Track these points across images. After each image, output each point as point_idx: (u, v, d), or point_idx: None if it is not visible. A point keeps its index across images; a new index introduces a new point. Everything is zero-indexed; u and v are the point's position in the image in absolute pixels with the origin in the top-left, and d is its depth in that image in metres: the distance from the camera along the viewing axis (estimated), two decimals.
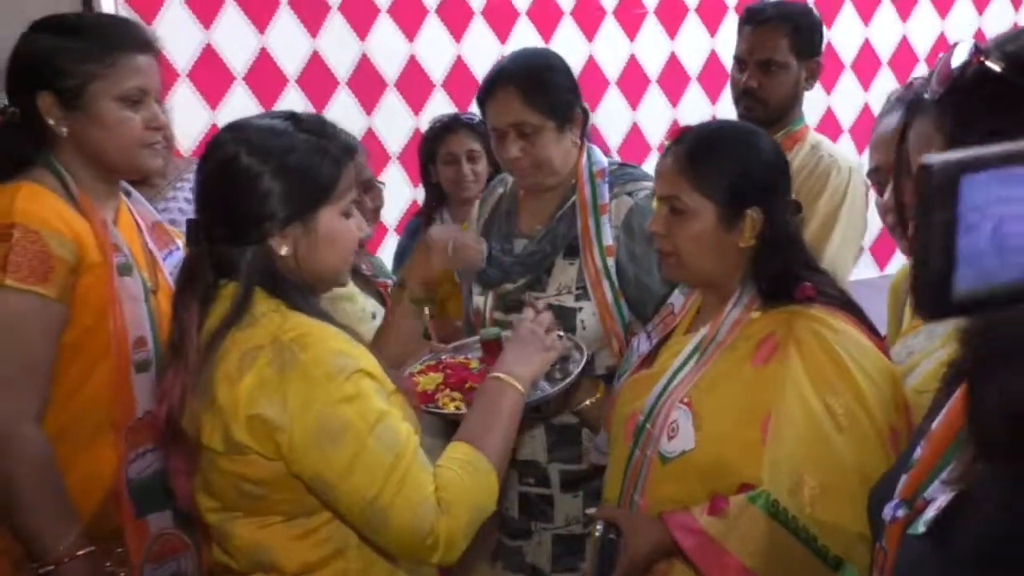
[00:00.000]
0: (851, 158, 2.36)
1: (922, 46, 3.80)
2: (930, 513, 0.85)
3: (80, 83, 1.52)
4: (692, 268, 1.49)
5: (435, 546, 1.22)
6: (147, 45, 1.59)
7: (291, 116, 1.36)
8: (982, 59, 0.77)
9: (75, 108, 1.53)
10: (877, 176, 1.49)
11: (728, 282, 1.49)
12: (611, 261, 1.89)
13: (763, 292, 1.46)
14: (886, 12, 3.76)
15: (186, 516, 1.59)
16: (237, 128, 1.34)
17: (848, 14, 3.71)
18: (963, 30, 3.80)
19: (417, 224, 2.76)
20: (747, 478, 1.34)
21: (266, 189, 1.28)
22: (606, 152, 2.20)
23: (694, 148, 1.48)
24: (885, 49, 3.77)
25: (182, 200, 2.23)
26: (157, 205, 2.11)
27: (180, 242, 1.75)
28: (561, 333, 1.86)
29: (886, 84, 3.65)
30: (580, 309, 1.90)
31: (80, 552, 1.44)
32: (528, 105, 1.87)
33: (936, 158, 0.55)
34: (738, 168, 1.46)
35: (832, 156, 2.31)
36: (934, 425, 0.91)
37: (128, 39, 1.57)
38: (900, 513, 0.90)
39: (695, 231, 1.45)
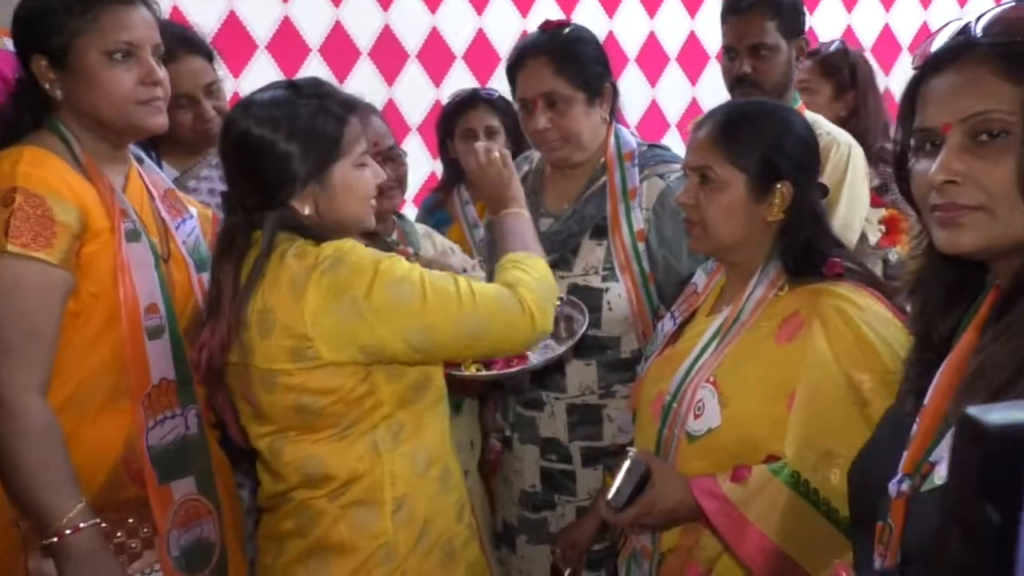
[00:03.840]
0: (847, 134, 2.30)
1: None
2: (945, 465, 0.84)
3: (65, 41, 1.43)
4: (718, 238, 1.45)
5: (531, 314, 1.38)
6: None
7: (290, 85, 1.43)
8: None
9: (64, 68, 1.45)
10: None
11: (752, 258, 1.46)
12: (641, 245, 1.84)
13: (789, 268, 1.43)
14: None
15: (208, 481, 1.56)
16: (244, 105, 1.41)
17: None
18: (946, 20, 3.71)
19: (434, 200, 2.67)
20: (776, 451, 1.32)
21: (281, 155, 1.36)
22: (663, 130, 2.14)
23: (728, 120, 1.45)
24: (906, 35, 3.67)
25: (223, 168, 2.14)
26: (200, 173, 2.05)
27: (194, 210, 1.68)
28: (562, 296, 1.83)
29: (904, 68, 3.55)
30: (607, 290, 1.86)
31: (83, 524, 1.37)
32: (559, 75, 1.82)
33: (992, 416, 0.34)
34: (771, 142, 1.43)
35: (830, 133, 2.25)
36: (926, 401, 0.91)
37: None
38: (905, 486, 0.89)
39: (724, 201, 1.43)
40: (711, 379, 1.40)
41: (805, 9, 2.37)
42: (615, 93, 1.92)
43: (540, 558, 2.01)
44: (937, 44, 0.90)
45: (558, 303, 1.80)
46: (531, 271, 1.45)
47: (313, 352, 1.33)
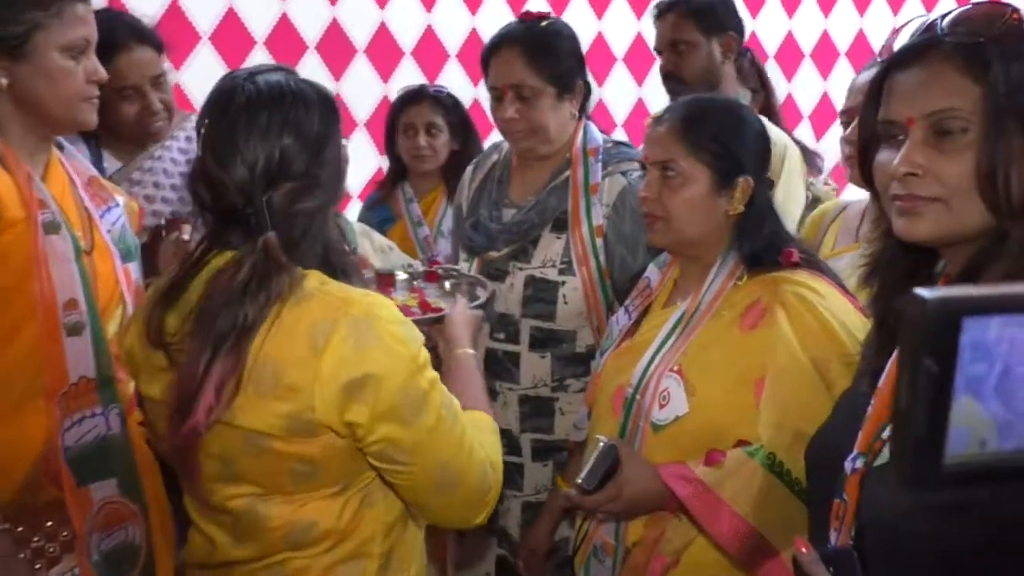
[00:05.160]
0: (783, 133, 2.33)
1: (877, 39, 3.74)
2: None
3: (25, 31, 1.37)
4: (680, 233, 1.44)
5: (490, 502, 1.22)
6: None
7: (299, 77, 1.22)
8: (1018, 18, 0.85)
9: (18, 58, 1.38)
10: (845, 117, 1.62)
11: (711, 250, 1.45)
12: (599, 241, 1.83)
13: (747, 259, 1.42)
14: (844, 5, 3.69)
15: (132, 483, 1.47)
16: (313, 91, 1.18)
17: (809, 5, 3.63)
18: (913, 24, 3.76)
19: (377, 197, 2.60)
20: (743, 437, 1.32)
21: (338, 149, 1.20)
22: (610, 128, 2.15)
23: (689, 115, 1.44)
24: (843, 41, 3.70)
25: (168, 160, 2.03)
26: (144, 164, 1.96)
27: (120, 199, 1.60)
28: (457, 269, 1.81)
29: (844, 74, 3.58)
30: (563, 283, 1.84)
31: None
32: (530, 67, 1.81)
33: (933, 293, 0.43)
34: (732, 136, 1.43)
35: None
36: (880, 382, 0.94)
37: None
38: (859, 464, 0.92)
39: (688, 195, 1.42)
40: (676, 368, 1.38)
41: (735, 9, 2.45)
42: (587, 90, 1.90)
43: (487, 551, 1.98)
44: (901, 40, 0.93)
45: (454, 276, 1.74)
46: (495, 446, 1.28)
47: (314, 419, 1.11)
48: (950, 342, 0.43)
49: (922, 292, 0.44)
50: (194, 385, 1.09)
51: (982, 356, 0.43)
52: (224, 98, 1.14)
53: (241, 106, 1.13)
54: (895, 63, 0.92)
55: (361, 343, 1.10)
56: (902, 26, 0.94)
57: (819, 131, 3.58)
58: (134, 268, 1.55)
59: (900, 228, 0.92)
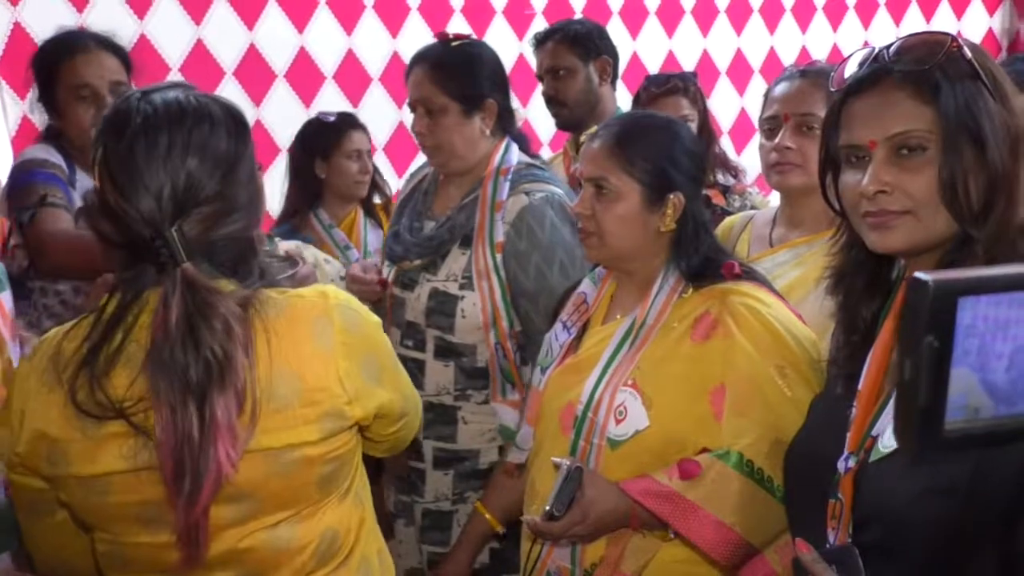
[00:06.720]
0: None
1: (787, 56, 3.87)
2: (888, 434, 0.94)
3: None
4: (613, 248, 1.45)
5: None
6: None
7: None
8: (957, 46, 0.94)
9: None
10: (771, 123, 1.64)
11: (647, 265, 1.45)
12: (500, 257, 1.83)
13: (687, 275, 1.43)
14: (755, 25, 3.81)
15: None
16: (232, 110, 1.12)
17: (722, 25, 3.73)
18: (822, 44, 3.90)
19: (289, 227, 2.44)
20: (703, 445, 1.32)
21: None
22: (536, 148, 2.19)
23: (623, 132, 1.45)
24: (756, 59, 3.81)
25: None
26: None
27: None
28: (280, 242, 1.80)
29: (759, 89, 3.68)
30: (462, 298, 1.85)
31: None
32: (434, 84, 1.84)
33: (932, 276, 0.48)
34: (665, 153, 1.43)
35: None
36: (860, 385, 1.00)
37: None
38: (852, 463, 0.97)
39: (620, 212, 1.42)
40: (630, 382, 1.36)
41: (608, 35, 2.59)
42: (504, 111, 1.90)
43: (414, 539, 1.97)
44: (849, 70, 1.01)
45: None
46: None
47: (349, 412, 1.11)
48: (948, 319, 0.47)
49: (922, 275, 0.47)
50: (194, 439, 0.99)
51: (971, 332, 0.47)
52: (119, 122, 1.05)
53: (138, 129, 1.03)
54: (851, 92, 1.00)
55: (355, 327, 1.13)
56: (848, 57, 1.02)
57: (739, 145, 3.67)
58: (7, 298, 1.42)
59: (874, 241, 0.99)
